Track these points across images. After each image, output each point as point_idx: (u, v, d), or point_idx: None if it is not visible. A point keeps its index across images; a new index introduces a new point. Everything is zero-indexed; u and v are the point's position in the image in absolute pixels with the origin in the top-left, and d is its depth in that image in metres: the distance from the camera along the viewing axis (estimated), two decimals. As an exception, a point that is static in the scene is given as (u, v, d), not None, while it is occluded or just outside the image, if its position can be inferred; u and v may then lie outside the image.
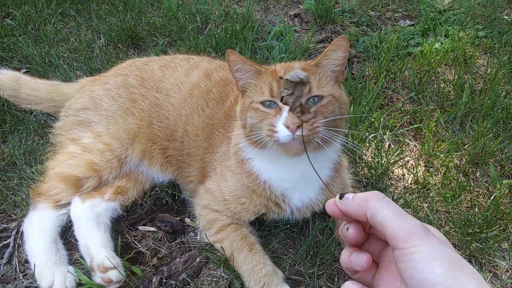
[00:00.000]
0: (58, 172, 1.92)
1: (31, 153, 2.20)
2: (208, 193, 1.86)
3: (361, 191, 2.10)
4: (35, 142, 2.29)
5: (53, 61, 2.76)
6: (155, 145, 1.98)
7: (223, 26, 3.12)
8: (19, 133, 2.31)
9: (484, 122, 2.44)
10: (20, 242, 1.89)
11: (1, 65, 2.61)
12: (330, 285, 1.75)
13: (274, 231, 1.86)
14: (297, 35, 3.25)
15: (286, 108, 1.45)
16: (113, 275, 1.66)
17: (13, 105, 2.38)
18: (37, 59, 2.74)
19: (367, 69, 2.90)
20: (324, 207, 1.76)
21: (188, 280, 1.75)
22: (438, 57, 2.96)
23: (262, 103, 1.52)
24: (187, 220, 2.00)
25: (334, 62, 1.55)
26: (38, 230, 1.83)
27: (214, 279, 1.76)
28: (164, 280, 1.75)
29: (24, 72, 2.60)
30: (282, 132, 1.43)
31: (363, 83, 2.72)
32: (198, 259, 1.82)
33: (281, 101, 1.47)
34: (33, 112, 2.38)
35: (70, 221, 1.89)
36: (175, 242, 1.94)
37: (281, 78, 1.48)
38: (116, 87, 2.08)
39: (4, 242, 1.90)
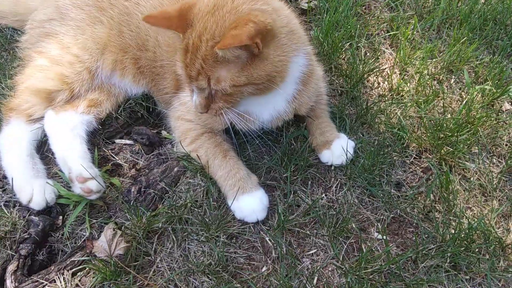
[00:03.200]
0: (29, 86, 1.88)
1: (-1, 68, 2.15)
2: (182, 105, 1.84)
3: (336, 100, 2.12)
4: (3, 58, 2.22)
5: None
6: (126, 55, 1.93)
7: None
8: (-15, 48, 2.23)
9: (460, 29, 2.42)
10: (-3, 158, 1.89)
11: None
12: (303, 189, 1.81)
13: (249, 138, 1.88)
14: None
15: (195, 90, 1.54)
16: (93, 185, 1.68)
17: (-25, 20, 2.28)
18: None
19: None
20: (294, 116, 1.78)
21: (167, 188, 1.79)
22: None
23: None
24: (164, 132, 2.01)
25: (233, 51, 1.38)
26: (13, 145, 1.82)
27: (192, 187, 1.80)
28: (143, 189, 1.78)
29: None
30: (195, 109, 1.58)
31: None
32: (175, 169, 1.86)
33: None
34: (-3, 27, 2.29)
35: (45, 136, 1.88)
36: (152, 154, 1.96)
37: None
38: (82, -5, 1.98)
39: (-20, 159, 1.90)
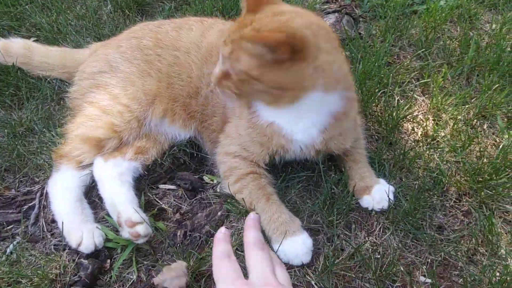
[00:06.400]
0: (80, 134, 1.97)
1: (48, 118, 2.25)
2: (227, 137, 1.92)
3: (373, 146, 2.17)
4: (52, 107, 2.33)
5: (62, 29, 2.77)
6: (176, 103, 2.03)
7: (229, -11, 3.12)
8: (35, 99, 2.35)
9: (490, 76, 2.49)
10: (45, 203, 1.95)
11: (10, 34, 2.63)
12: (347, 232, 1.83)
13: (290, 183, 1.94)
14: (303, -4, 3.25)
15: (219, 61, 1.63)
16: (141, 229, 1.73)
17: (26, 72, 2.42)
18: (46, 27, 2.75)
19: (374, 29, 2.92)
20: (325, 148, 1.85)
21: (212, 231, 1.83)
22: (443, 15, 2.98)
23: None
24: (206, 177, 2.07)
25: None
26: (63, 190, 1.89)
27: (236, 231, 1.83)
28: (188, 233, 1.82)
29: (33, 41, 2.62)
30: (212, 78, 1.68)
31: (370, 42, 2.75)
32: (219, 213, 1.90)
33: None
34: (46, 79, 2.42)
35: (93, 182, 1.96)
36: (195, 198, 2.00)
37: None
38: (131, 49, 2.11)
39: (30, 204, 1.97)
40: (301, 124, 1.76)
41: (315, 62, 1.54)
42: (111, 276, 1.73)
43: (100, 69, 2.10)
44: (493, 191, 1.94)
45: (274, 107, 1.69)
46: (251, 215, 1.48)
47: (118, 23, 2.86)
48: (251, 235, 1.27)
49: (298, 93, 1.59)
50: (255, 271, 1.13)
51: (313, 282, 1.68)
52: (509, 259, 1.73)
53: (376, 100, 2.36)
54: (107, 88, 2.04)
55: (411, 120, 2.30)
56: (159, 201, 1.99)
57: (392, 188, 1.91)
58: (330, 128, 1.78)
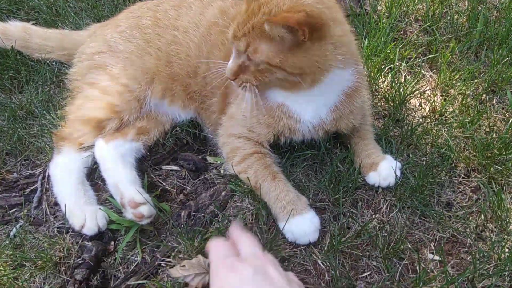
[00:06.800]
0: (80, 116, 1.94)
1: (48, 100, 2.22)
2: (230, 119, 1.88)
3: (380, 123, 2.13)
4: (51, 90, 2.30)
5: (60, 11, 2.73)
6: (175, 83, 1.99)
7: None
8: (35, 82, 2.31)
9: (499, 50, 2.43)
10: (47, 186, 1.93)
11: (9, 18, 2.59)
12: (353, 210, 1.80)
13: (295, 162, 1.90)
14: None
15: (233, 55, 1.59)
16: (144, 210, 1.70)
17: (25, 55, 2.38)
18: (45, 10, 2.71)
19: (379, 4, 2.86)
20: (338, 134, 1.78)
21: (217, 211, 1.80)
22: (450, -11, 2.90)
23: None
24: (209, 158, 2.03)
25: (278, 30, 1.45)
26: (64, 172, 1.87)
27: (241, 210, 1.81)
28: (192, 213, 1.80)
29: (32, 24, 2.58)
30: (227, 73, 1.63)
31: (376, 18, 2.68)
32: (223, 193, 1.87)
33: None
34: (46, 62, 2.38)
35: (95, 163, 1.93)
36: (198, 179, 1.98)
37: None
38: (129, 29, 2.06)
39: (32, 187, 1.95)
40: (312, 105, 1.73)
41: (333, 38, 1.52)
42: (116, 258, 1.71)
43: (98, 49, 2.06)
44: (503, 166, 1.89)
45: (292, 92, 1.65)
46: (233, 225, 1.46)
47: (117, 3, 2.81)
48: (235, 232, 1.33)
49: (319, 75, 1.56)
50: (244, 249, 1.23)
51: (319, 261, 1.66)
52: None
53: (383, 76, 2.31)
54: (107, 68, 2.00)
55: (419, 96, 2.25)
56: (162, 182, 1.96)
57: (399, 164, 1.87)
58: (341, 107, 1.75)
